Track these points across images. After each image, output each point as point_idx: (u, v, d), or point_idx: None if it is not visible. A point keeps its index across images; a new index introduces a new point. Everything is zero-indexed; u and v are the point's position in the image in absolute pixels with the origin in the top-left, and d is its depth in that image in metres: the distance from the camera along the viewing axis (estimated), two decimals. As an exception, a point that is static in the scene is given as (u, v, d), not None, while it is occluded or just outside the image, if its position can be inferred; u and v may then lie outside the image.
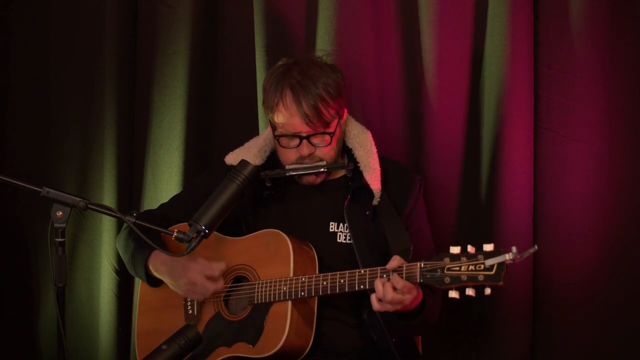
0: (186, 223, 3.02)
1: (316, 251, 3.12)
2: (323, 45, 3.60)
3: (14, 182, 2.82)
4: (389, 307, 2.90)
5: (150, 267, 3.17)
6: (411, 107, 3.61)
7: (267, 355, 3.01)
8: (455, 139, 3.57)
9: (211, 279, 3.07)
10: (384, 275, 2.91)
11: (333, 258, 3.13)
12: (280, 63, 3.17)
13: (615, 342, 3.45)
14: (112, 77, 3.87)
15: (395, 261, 2.91)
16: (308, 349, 3.05)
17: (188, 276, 3.08)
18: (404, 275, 2.87)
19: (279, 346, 3.00)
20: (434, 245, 3.23)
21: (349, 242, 3.13)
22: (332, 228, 3.18)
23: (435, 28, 3.53)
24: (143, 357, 3.13)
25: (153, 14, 3.86)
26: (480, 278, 2.76)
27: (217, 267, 3.07)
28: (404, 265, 2.89)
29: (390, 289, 2.87)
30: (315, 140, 3.11)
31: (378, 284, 2.90)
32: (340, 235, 3.17)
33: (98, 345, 3.93)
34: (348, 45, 3.60)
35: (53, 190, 2.78)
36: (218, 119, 3.88)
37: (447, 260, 2.82)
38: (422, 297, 2.98)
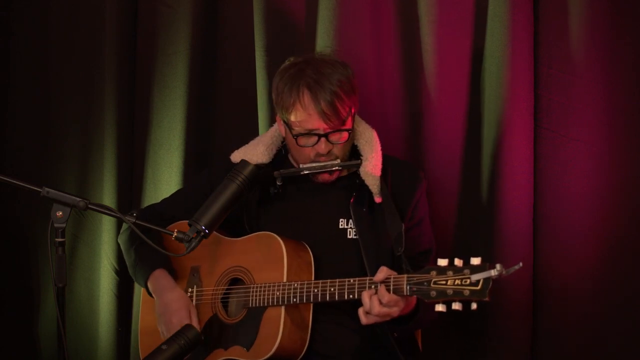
0: (186, 223, 3.03)
1: (327, 248, 3.12)
2: (323, 45, 3.60)
3: (14, 182, 2.82)
4: (377, 320, 2.91)
5: (149, 287, 3.20)
6: (411, 107, 3.61)
7: (261, 359, 3.02)
8: (455, 139, 3.57)
9: None
10: (372, 287, 2.91)
11: (345, 254, 3.14)
12: (289, 63, 3.16)
13: (616, 342, 3.45)
14: (112, 77, 3.87)
15: (382, 273, 2.90)
16: (303, 353, 3.05)
17: (170, 320, 3.12)
18: (391, 288, 2.87)
19: (272, 351, 3.00)
20: (434, 238, 3.26)
21: (358, 237, 3.14)
22: (342, 225, 3.18)
23: (435, 28, 3.53)
24: (146, 354, 3.15)
25: (153, 14, 3.86)
26: (466, 293, 2.74)
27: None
28: (392, 277, 2.89)
29: (376, 302, 2.88)
30: (333, 137, 3.11)
31: (365, 296, 2.90)
32: (350, 231, 3.17)
33: (98, 345, 3.93)
34: (348, 45, 3.60)
35: (53, 190, 2.78)
36: (218, 119, 3.88)
37: (433, 273, 2.79)
38: (415, 302, 2.99)
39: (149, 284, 3.20)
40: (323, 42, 3.60)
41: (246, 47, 3.77)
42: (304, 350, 3.05)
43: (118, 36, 3.87)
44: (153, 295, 3.20)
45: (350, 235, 3.17)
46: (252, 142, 3.29)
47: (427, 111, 3.58)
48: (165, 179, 3.85)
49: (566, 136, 3.46)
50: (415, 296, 2.95)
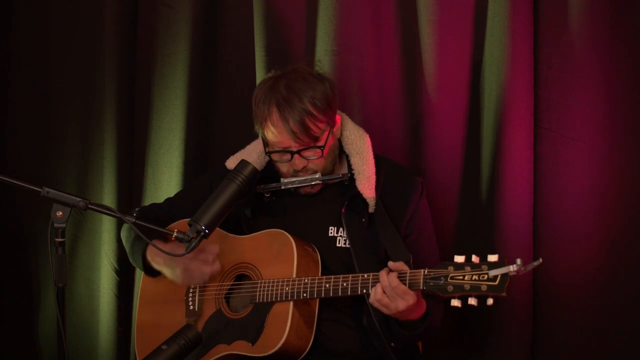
0: (186, 222, 3.03)
1: None
2: (323, 45, 3.60)
3: (14, 182, 2.81)
4: (387, 303, 2.90)
5: (148, 258, 3.18)
6: (411, 107, 3.61)
7: (266, 354, 3.02)
8: (455, 139, 3.57)
9: (206, 262, 3.09)
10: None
11: (333, 262, 3.14)
12: (269, 75, 3.16)
13: (616, 342, 3.45)
14: (112, 77, 3.87)
15: (399, 263, 2.93)
16: (307, 350, 3.05)
17: (183, 263, 3.09)
18: (407, 283, 2.88)
19: (278, 346, 3.00)
20: (438, 248, 3.23)
21: (348, 246, 3.13)
22: (331, 232, 3.18)
23: (435, 28, 3.53)
24: (142, 349, 3.16)
25: (153, 14, 3.86)
26: (484, 288, 2.77)
27: (211, 250, 3.09)
28: (408, 271, 2.90)
29: (394, 277, 2.88)
30: (306, 154, 3.11)
31: (383, 273, 2.91)
32: (339, 239, 3.17)
33: (98, 345, 3.93)
34: (348, 45, 3.60)
35: (53, 190, 2.78)
36: (218, 119, 3.88)
37: (451, 268, 2.83)
38: (425, 308, 3.00)
39: (147, 254, 3.17)
40: (323, 42, 3.60)
41: (246, 47, 3.77)
42: (309, 347, 3.05)
43: (118, 36, 3.87)
44: (153, 261, 3.16)
45: (339, 243, 3.17)
46: (247, 148, 3.30)
47: (427, 111, 3.58)
48: (165, 179, 3.85)
49: (566, 136, 3.47)
50: (425, 305, 2.98)
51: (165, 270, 3.15)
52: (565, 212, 3.47)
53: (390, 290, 2.89)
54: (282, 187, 3.17)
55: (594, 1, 3.39)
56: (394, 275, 2.89)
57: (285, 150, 3.10)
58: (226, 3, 3.85)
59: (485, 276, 2.78)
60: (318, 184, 3.15)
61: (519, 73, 3.46)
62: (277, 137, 3.07)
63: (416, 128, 3.61)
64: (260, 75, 3.68)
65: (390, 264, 2.93)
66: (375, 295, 2.91)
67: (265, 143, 3.14)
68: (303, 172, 3.13)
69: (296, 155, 3.10)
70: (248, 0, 3.73)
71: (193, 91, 3.83)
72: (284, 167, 3.15)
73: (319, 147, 3.10)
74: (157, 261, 3.17)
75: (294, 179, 3.15)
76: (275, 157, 3.13)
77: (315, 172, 3.14)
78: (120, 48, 3.87)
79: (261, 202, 3.23)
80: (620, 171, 3.43)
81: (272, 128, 3.07)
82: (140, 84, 3.90)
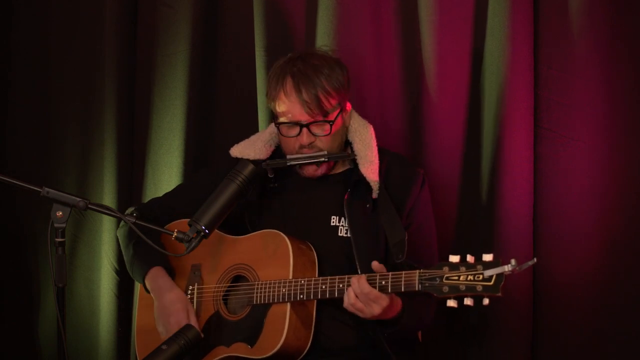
0: (186, 222, 3.03)
1: (317, 245, 3.13)
2: (323, 45, 3.60)
3: (14, 182, 2.82)
4: (361, 307, 2.91)
5: (147, 285, 3.20)
6: (411, 106, 3.62)
7: (265, 356, 3.02)
8: (455, 138, 3.57)
9: None
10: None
11: (334, 252, 3.14)
12: (286, 57, 3.20)
13: (616, 342, 3.45)
14: (112, 77, 3.87)
15: (381, 265, 2.94)
16: (306, 350, 3.06)
17: (168, 321, 3.12)
18: (402, 284, 2.88)
19: (277, 347, 3.01)
20: (437, 243, 3.23)
21: (349, 236, 3.14)
22: (333, 222, 3.19)
23: (435, 28, 3.53)
24: (142, 352, 3.16)
25: (153, 14, 3.86)
26: (479, 288, 2.77)
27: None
28: (403, 273, 2.90)
29: (364, 282, 2.90)
30: (315, 129, 3.13)
31: (354, 278, 2.92)
32: (341, 229, 3.18)
33: (98, 345, 3.93)
34: (348, 45, 3.60)
35: (53, 190, 2.78)
36: (218, 119, 3.88)
37: (446, 269, 2.82)
38: (401, 306, 3.00)
39: (146, 282, 3.20)
40: (323, 42, 3.61)
41: (246, 47, 3.77)
42: (308, 347, 3.05)
43: (118, 36, 3.87)
44: (151, 294, 3.20)
45: (340, 233, 3.18)
46: (251, 138, 3.32)
47: (427, 111, 3.58)
48: (165, 179, 3.85)
49: (566, 136, 3.47)
50: (400, 303, 2.98)
51: (154, 308, 3.18)
52: (565, 212, 3.47)
53: (364, 297, 2.90)
54: (288, 164, 3.17)
55: (594, 1, 3.39)
56: (363, 280, 2.89)
57: (294, 123, 3.11)
58: (226, 3, 3.85)
59: (481, 276, 2.77)
60: (324, 162, 3.16)
61: (519, 73, 3.46)
62: (289, 107, 3.10)
63: (416, 128, 3.61)
64: (260, 75, 3.68)
65: (374, 263, 2.93)
66: (349, 299, 2.93)
67: (275, 116, 3.16)
68: (309, 149, 3.14)
69: (304, 129, 3.11)
70: (248, 0, 3.74)
71: (193, 91, 3.83)
72: (290, 143, 3.15)
73: (329, 122, 3.11)
74: (151, 292, 3.20)
75: (299, 155, 3.16)
76: (283, 129, 3.14)
77: (320, 150, 3.15)
78: (120, 48, 3.87)
79: (264, 190, 3.23)
80: (620, 171, 3.43)
81: (284, 98, 3.11)
82: (140, 84, 3.91)
